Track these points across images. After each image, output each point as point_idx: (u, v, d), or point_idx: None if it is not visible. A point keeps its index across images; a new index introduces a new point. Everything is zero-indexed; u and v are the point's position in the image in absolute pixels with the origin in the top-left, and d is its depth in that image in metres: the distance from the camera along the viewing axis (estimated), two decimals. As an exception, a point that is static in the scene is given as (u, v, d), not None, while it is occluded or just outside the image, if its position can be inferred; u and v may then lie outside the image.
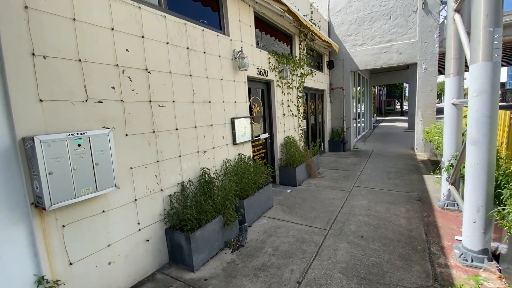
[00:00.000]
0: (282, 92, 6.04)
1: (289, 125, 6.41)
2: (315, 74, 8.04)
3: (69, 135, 2.05)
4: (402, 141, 11.07)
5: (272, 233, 3.72)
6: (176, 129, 3.28)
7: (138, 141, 2.82)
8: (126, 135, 2.70)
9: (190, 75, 3.49)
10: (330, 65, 9.59)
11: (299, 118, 6.93)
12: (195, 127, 3.57)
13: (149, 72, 2.94)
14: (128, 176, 2.72)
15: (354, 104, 11.09)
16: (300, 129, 7.04)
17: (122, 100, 2.66)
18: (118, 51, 2.62)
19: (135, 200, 2.80)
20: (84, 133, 2.15)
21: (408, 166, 6.94)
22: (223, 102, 4.11)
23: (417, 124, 8.54)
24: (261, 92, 5.58)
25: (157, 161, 3.04)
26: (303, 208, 4.53)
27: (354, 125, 11.28)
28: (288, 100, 6.31)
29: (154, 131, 3.00)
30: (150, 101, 2.95)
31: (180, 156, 3.33)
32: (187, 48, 3.44)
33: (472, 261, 2.80)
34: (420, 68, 8.22)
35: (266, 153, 5.79)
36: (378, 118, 25.40)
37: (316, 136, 9.01)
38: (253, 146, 5.28)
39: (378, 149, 9.61)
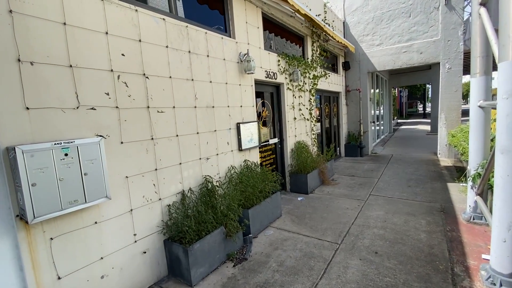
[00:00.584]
0: (293, 95, 5.81)
1: (300, 130, 6.16)
2: (329, 76, 7.73)
3: (55, 144, 1.96)
4: (424, 145, 10.43)
5: (278, 246, 3.49)
6: (177, 135, 3.15)
7: (134, 149, 2.71)
8: (122, 142, 2.60)
9: (192, 80, 3.36)
10: (346, 66, 9.23)
11: (312, 122, 6.66)
12: (197, 133, 3.43)
13: (147, 77, 2.84)
14: (123, 186, 2.61)
15: (372, 106, 10.61)
16: (313, 134, 6.76)
17: (117, 107, 2.56)
18: (113, 56, 2.53)
19: (131, 210, 2.69)
20: (71, 142, 2.05)
21: (430, 173, 6.45)
22: (228, 106, 3.95)
23: (440, 127, 7.97)
24: (270, 96, 5.38)
25: (156, 169, 2.92)
26: (314, 219, 4.26)
27: (372, 128, 10.79)
28: (299, 104, 6.06)
29: (152, 138, 2.88)
30: (148, 107, 2.84)
31: (180, 163, 3.20)
32: (189, 51, 3.33)
33: (501, 285, 2.44)
34: (443, 68, 7.69)
35: (275, 159, 5.57)
36: (399, 120, 24.36)
37: (331, 140, 8.66)
38: (261, 152, 5.08)
39: (398, 154, 9.08)
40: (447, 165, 7.10)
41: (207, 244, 2.97)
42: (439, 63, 7.86)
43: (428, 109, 39.57)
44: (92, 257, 2.39)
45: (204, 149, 3.54)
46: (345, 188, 5.73)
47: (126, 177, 2.64)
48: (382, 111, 13.93)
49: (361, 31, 8.99)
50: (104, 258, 2.48)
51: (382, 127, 13.81)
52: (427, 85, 28.00)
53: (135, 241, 2.74)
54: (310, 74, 6.42)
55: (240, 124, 4.14)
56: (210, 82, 3.63)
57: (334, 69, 8.88)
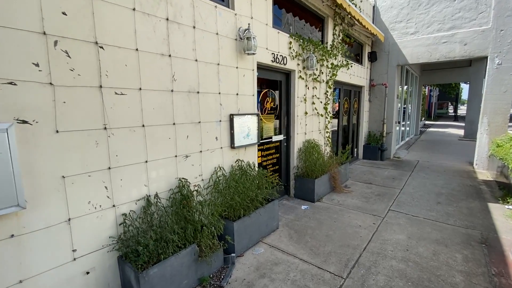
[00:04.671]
0: (306, 85, 4.96)
1: (312, 126, 5.32)
2: (351, 66, 6.75)
3: None
4: (457, 153, 9.18)
5: (266, 272, 2.78)
6: (143, 125, 2.48)
7: (77, 141, 2.06)
8: (57, 131, 1.95)
9: (170, 56, 2.65)
10: (372, 57, 8.14)
11: (327, 118, 5.78)
12: (174, 124, 2.74)
13: (101, 47, 2.15)
14: (57, 188, 1.98)
15: (399, 104, 9.45)
16: (327, 132, 5.89)
17: (51, 83, 1.90)
18: (47, 13, 1.85)
19: (69, 220, 2.06)
20: (-48, 128, 1.42)
21: (465, 188, 5.41)
22: (219, 93, 3.21)
23: (480, 133, 6.79)
24: (277, 85, 4.57)
25: (109, 168, 2.27)
26: (316, 237, 3.49)
27: (397, 128, 9.66)
28: (313, 96, 5.21)
29: (105, 127, 2.22)
30: (100, 86, 2.17)
31: (147, 161, 2.53)
32: (167, 19, 2.60)
33: None
34: (491, 64, 6.46)
35: (279, 159, 4.80)
36: (427, 122, 22.53)
37: (348, 140, 7.71)
38: (261, 150, 4.33)
39: (425, 161, 7.98)
40: (486, 180, 5.99)
41: (170, 268, 2.31)
42: (486, 58, 6.64)
43: (461, 112, 36.70)
44: (7, 281, 1.79)
45: (182, 145, 2.84)
46: (359, 198, 4.88)
47: (63, 177, 2.00)
48: (409, 111, 12.61)
49: (394, 17, 7.83)
50: (25, 282, 1.88)
51: (408, 128, 12.54)
52: (462, 85, 25.65)
53: (74, 259, 2.12)
54: (328, 62, 5.51)
55: (234, 116, 3.40)
56: (196, 60, 2.90)
57: (359, 60, 7.84)
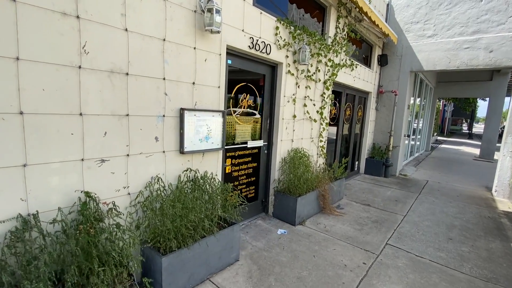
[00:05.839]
0: (296, 83, 4.12)
1: (302, 133, 4.47)
2: (356, 67, 5.87)
3: None
4: (472, 174, 8.14)
5: (197, 335, 1.94)
6: (21, 112, 1.68)
7: None
8: None
9: (78, 17, 1.86)
10: (383, 60, 7.23)
11: (322, 124, 4.92)
12: (81, 114, 1.94)
13: None
14: None
15: (410, 116, 8.49)
16: (321, 140, 5.02)
17: None
18: None
19: None
20: None
21: (482, 220, 4.45)
22: (164, 79, 2.41)
23: (503, 155, 5.80)
24: (258, 78, 3.75)
25: None
26: (284, 279, 2.63)
27: (406, 142, 8.69)
28: (305, 97, 4.36)
29: None
30: None
31: (25, 165, 1.73)
32: (76, -37, 1.82)
33: None
34: (522, 74, 5.49)
35: (256, 169, 3.96)
36: (439, 137, 21.27)
37: (349, 151, 6.81)
38: (233, 157, 3.51)
39: (435, 181, 6.99)
40: (508, 211, 5.00)
41: (31, 333, 1.49)
42: (515, 67, 5.68)
43: (475, 129, 35.03)
44: None
45: (96, 144, 2.04)
46: (351, 225, 3.98)
47: None
48: (421, 124, 11.59)
49: (410, 17, 6.93)
50: None
51: (418, 143, 11.50)
52: (479, 101, 24.32)
53: None
54: (326, 58, 4.65)
55: (187, 112, 2.59)
56: (126, 30, 2.11)
57: (367, 62, 6.95)
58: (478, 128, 44.14)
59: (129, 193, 2.28)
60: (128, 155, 2.23)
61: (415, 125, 10.29)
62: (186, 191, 2.54)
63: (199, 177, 2.72)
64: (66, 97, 1.86)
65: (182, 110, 2.55)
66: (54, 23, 1.76)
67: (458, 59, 6.27)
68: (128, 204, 2.28)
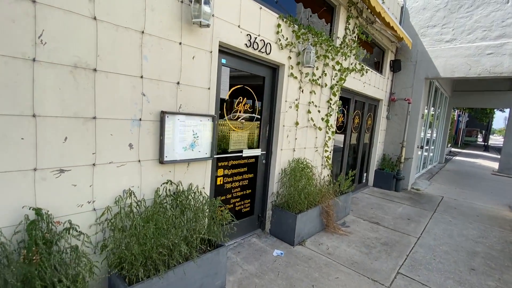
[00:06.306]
0: (300, 88, 3.76)
1: (305, 142, 4.08)
2: (366, 72, 5.47)
3: None
4: (491, 191, 7.53)
5: None
6: (-48, 112, 1.38)
7: None
8: None
9: (34, 1, 1.56)
10: (395, 66, 6.80)
11: (328, 133, 4.53)
12: (33, 115, 1.63)
13: None
14: None
15: (423, 126, 7.98)
16: (327, 150, 4.62)
17: None
18: None
19: None
20: None
21: (509, 247, 3.93)
22: (141, 77, 2.09)
23: (529, 172, 5.24)
24: (257, 81, 3.41)
25: None
26: (276, 314, 2.24)
27: (419, 153, 8.16)
28: (309, 103, 3.99)
29: None
30: None
31: (-44, 175, 1.43)
32: None
33: None
34: (552, 83, 4.97)
35: (253, 181, 3.59)
36: (453, 149, 20.39)
37: (357, 162, 6.36)
38: (225, 167, 3.16)
39: (451, 198, 6.45)
40: (537, 236, 4.45)
41: None
42: (544, 76, 5.16)
43: (492, 142, 33.66)
44: None
45: (53, 152, 1.72)
46: (357, 247, 3.55)
47: None
48: (435, 135, 11.00)
49: (426, 20, 6.50)
50: None
51: (431, 154, 10.90)
52: (497, 112, 23.31)
53: None
54: (334, 61, 4.28)
55: (168, 115, 2.26)
56: (95, 19, 1.80)
57: (378, 68, 6.54)
58: (493, 140, 42.55)
59: (94, 209, 1.95)
60: (94, 164, 1.91)
61: (429, 135, 9.73)
62: (165, 207, 2.20)
63: (181, 191, 2.37)
64: (16, 95, 1.56)
65: (163, 114, 2.23)
66: (4, 8, 1.47)
67: (480, 65, 5.79)
68: (94, 222, 1.95)
